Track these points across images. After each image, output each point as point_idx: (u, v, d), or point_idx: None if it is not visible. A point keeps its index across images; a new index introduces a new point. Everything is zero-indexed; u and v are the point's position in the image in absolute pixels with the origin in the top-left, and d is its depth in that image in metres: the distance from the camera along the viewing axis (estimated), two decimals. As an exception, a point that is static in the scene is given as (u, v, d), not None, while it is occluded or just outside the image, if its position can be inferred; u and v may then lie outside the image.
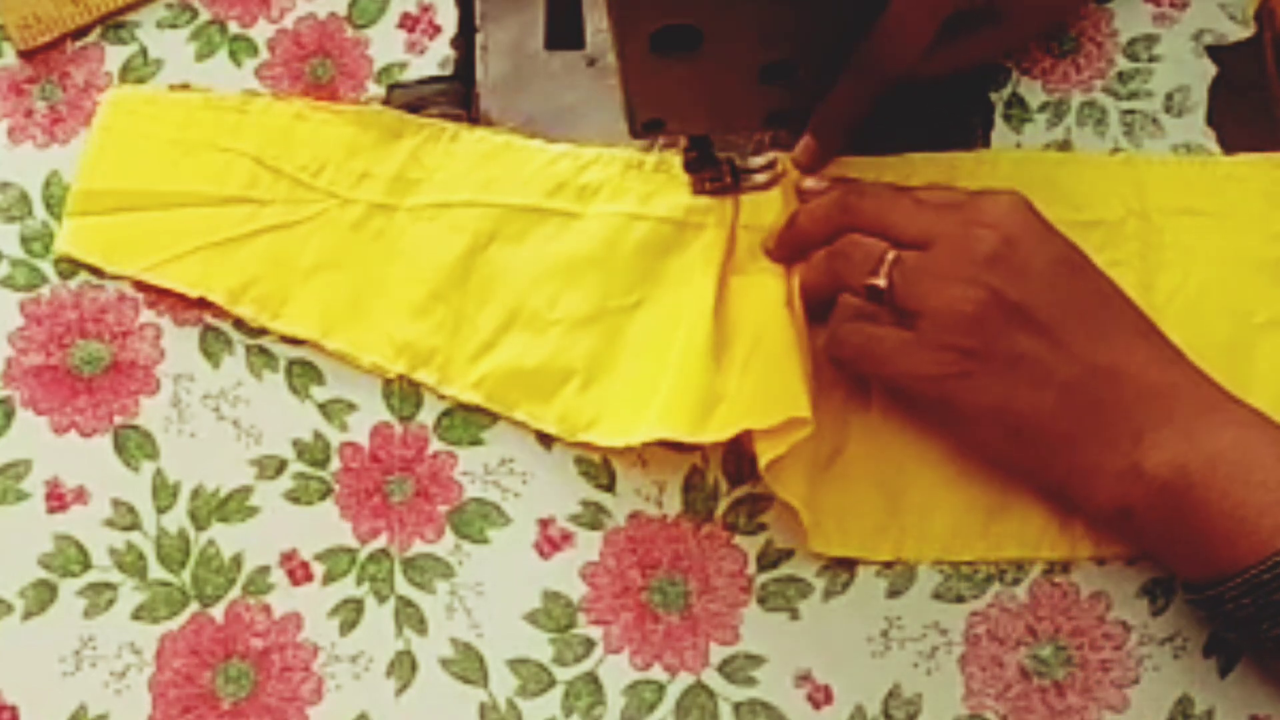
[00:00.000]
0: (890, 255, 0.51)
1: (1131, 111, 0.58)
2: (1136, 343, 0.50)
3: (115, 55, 0.61)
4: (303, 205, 0.58)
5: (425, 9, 0.61)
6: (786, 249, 0.54)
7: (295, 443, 0.56)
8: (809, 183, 0.55)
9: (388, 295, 0.57)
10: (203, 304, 0.57)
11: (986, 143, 0.58)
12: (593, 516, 0.54)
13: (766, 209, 0.55)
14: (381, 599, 0.54)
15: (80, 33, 0.61)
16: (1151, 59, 0.58)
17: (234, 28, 0.61)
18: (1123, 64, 0.58)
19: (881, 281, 0.51)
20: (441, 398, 0.56)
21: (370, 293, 0.57)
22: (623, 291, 0.56)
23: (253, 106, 0.60)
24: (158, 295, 0.58)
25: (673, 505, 0.54)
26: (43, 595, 0.54)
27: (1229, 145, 0.57)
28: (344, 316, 0.57)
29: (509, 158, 0.58)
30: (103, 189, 0.59)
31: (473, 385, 0.56)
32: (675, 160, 0.56)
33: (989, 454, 0.52)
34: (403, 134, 0.59)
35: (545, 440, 0.55)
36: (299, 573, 0.54)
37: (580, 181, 0.57)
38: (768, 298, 0.54)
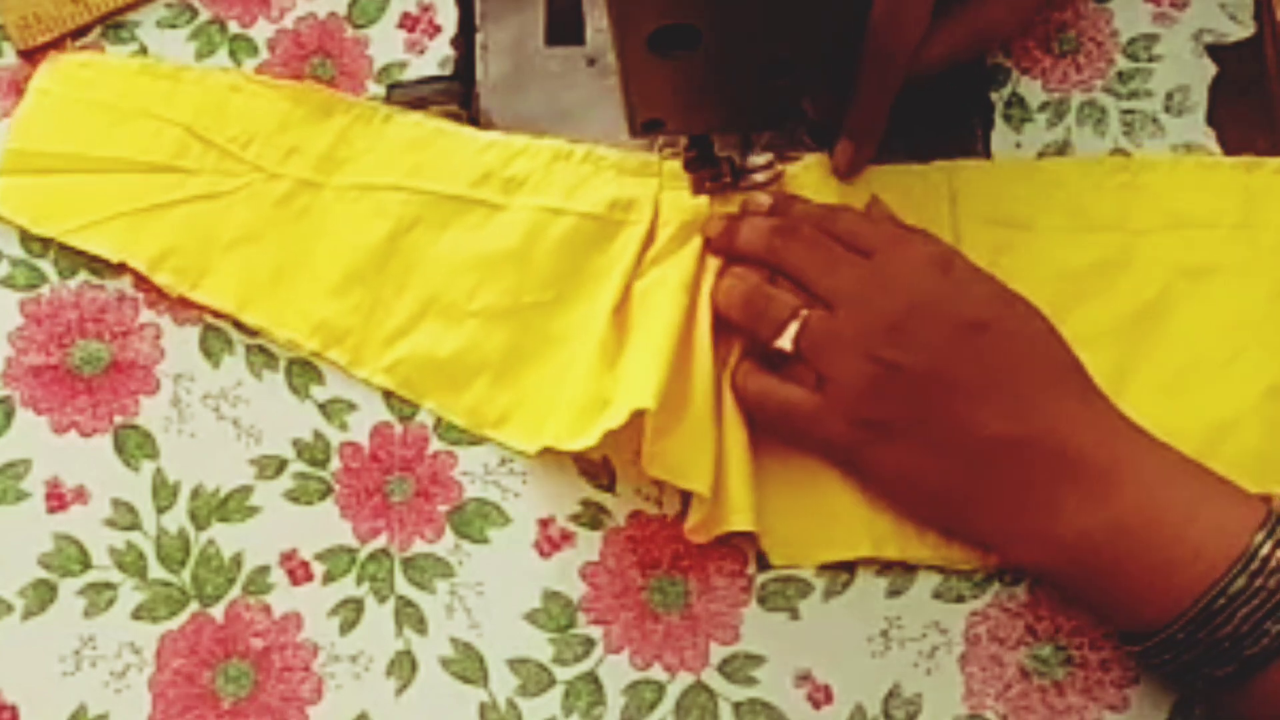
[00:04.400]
0: (795, 323, 0.51)
1: (1131, 111, 0.58)
2: (1043, 404, 0.50)
3: (115, 55, 0.61)
4: (229, 177, 0.58)
5: (425, 9, 0.61)
6: (721, 250, 0.54)
7: (295, 442, 0.56)
8: (757, 200, 0.55)
9: (307, 273, 0.57)
10: (203, 304, 0.57)
11: (987, 143, 0.58)
12: (593, 516, 0.54)
13: (687, 205, 0.55)
14: (381, 599, 0.54)
15: (80, 32, 0.61)
16: (1151, 59, 0.58)
17: (234, 27, 0.61)
18: (1123, 64, 0.58)
19: (787, 345, 0.51)
20: (441, 397, 0.56)
21: (290, 269, 0.57)
22: (539, 287, 0.56)
23: (188, 75, 0.60)
24: (158, 295, 0.58)
25: (673, 505, 0.54)
26: (43, 595, 0.54)
27: (1229, 145, 0.57)
28: (262, 291, 0.57)
29: (439, 144, 0.58)
30: (34, 150, 0.59)
31: (385, 370, 0.56)
32: (604, 153, 0.57)
33: (907, 513, 0.52)
34: (334, 112, 0.59)
35: (545, 440, 0.55)
36: (299, 572, 0.54)
37: (507, 173, 0.57)
38: (666, 299, 0.54)
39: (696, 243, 0.55)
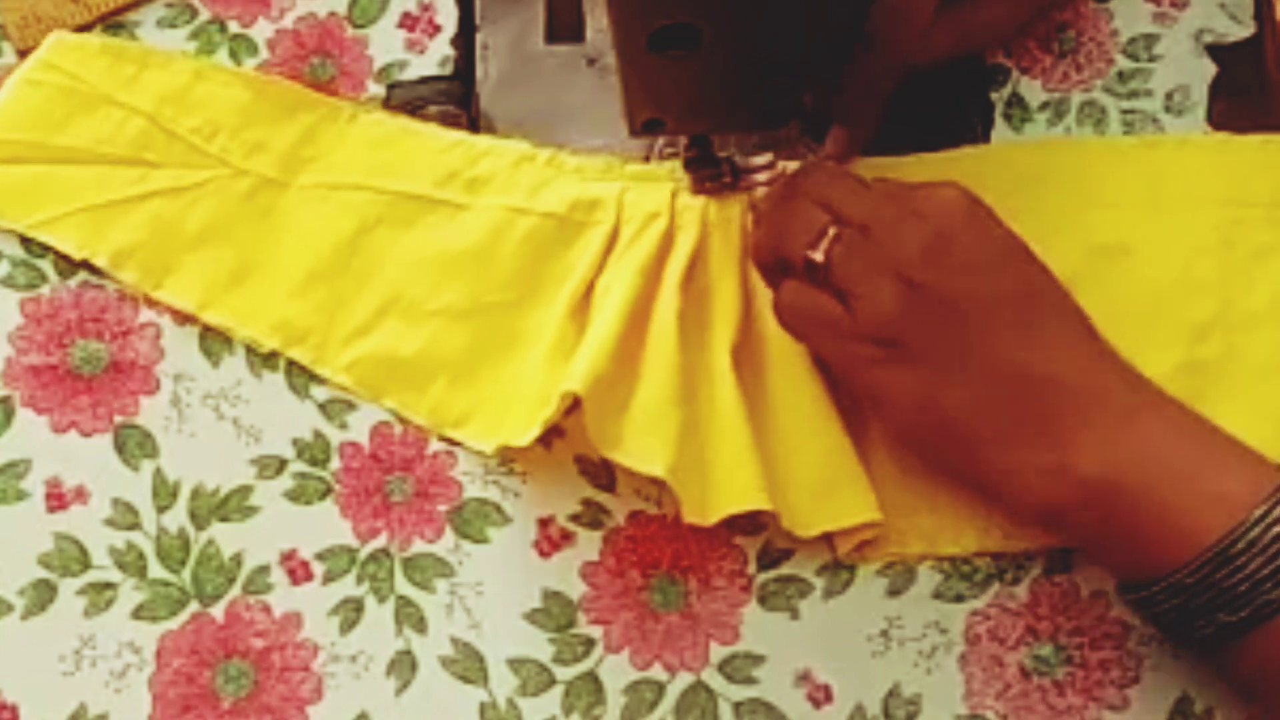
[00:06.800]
0: (831, 230, 0.50)
1: (1131, 111, 0.58)
2: (1066, 341, 0.50)
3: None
4: (193, 171, 0.58)
5: (425, 8, 0.61)
6: (756, 232, 0.54)
7: (295, 442, 0.56)
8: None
9: (270, 271, 0.57)
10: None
11: (987, 142, 0.58)
12: (593, 516, 0.54)
13: (650, 206, 0.55)
14: (381, 598, 0.54)
15: (80, 32, 0.61)
16: (1151, 58, 0.58)
17: (234, 27, 0.61)
18: (1123, 63, 0.58)
19: (819, 256, 0.50)
20: (441, 397, 0.56)
21: (254, 267, 0.57)
22: (501, 288, 0.56)
23: (153, 59, 0.59)
24: (158, 295, 0.58)
25: (673, 505, 0.54)
26: (43, 595, 0.54)
27: (1229, 145, 0.57)
28: (225, 289, 0.57)
29: (404, 144, 0.58)
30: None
31: (345, 368, 0.56)
32: (566, 158, 0.57)
33: (916, 448, 0.52)
34: (299, 109, 0.58)
35: (545, 440, 0.55)
36: (299, 572, 0.54)
37: (471, 173, 0.57)
38: (619, 287, 0.53)
39: (656, 233, 0.54)
